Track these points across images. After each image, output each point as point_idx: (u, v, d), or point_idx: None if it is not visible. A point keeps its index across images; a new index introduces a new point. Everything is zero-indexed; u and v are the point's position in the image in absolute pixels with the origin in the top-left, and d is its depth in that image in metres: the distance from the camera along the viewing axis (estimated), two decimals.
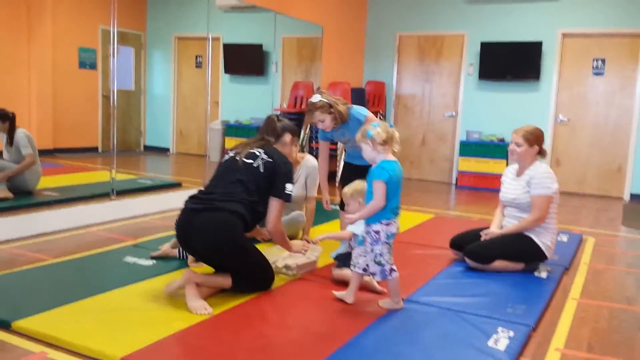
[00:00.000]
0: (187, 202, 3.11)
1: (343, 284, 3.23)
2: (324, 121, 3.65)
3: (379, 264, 2.94)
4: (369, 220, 2.93)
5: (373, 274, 3.00)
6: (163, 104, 8.68)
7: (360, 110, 3.75)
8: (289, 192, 3.16)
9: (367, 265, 2.98)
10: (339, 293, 3.09)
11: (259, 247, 3.30)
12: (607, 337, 2.84)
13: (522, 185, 3.73)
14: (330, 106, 3.62)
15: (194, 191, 3.22)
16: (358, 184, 3.20)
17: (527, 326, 2.82)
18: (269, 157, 3.16)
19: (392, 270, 2.96)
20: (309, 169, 4.26)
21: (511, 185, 3.84)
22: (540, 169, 3.71)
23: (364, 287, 3.20)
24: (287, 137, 3.42)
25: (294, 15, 7.30)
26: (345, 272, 3.27)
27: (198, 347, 2.47)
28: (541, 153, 3.79)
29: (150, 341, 2.48)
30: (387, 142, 2.91)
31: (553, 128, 7.76)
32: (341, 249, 3.39)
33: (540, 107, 7.76)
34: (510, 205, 3.84)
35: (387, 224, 2.91)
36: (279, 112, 3.18)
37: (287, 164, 3.22)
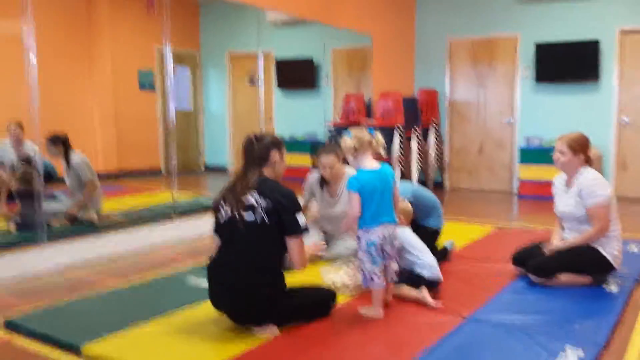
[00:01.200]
0: (210, 272, 2.93)
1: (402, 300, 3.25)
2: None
3: (361, 270, 3.03)
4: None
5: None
6: (220, 122, 8.84)
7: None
8: (303, 224, 2.87)
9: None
10: (364, 309, 3.11)
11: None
12: None
13: (573, 198, 3.61)
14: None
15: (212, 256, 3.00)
16: (402, 203, 3.31)
17: (597, 344, 2.71)
18: (266, 200, 2.81)
19: (372, 278, 3.01)
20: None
21: (563, 199, 3.72)
22: (589, 177, 3.58)
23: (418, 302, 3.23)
24: (275, 156, 2.96)
25: (342, 26, 7.33)
26: (403, 289, 3.29)
27: None
28: (588, 162, 3.65)
29: None
30: (357, 148, 2.99)
31: (617, 130, 7.47)
32: None
33: (601, 109, 7.49)
34: (567, 218, 3.72)
35: (367, 231, 2.98)
36: (263, 133, 3.03)
37: (286, 195, 2.86)
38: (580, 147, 3.62)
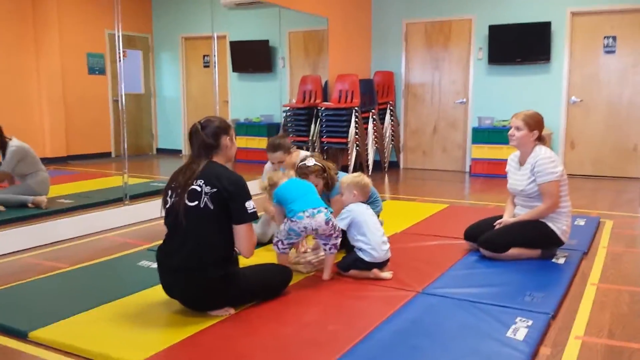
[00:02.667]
0: (159, 259, 2.86)
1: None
2: (317, 186, 3.51)
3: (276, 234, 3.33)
4: None
5: None
6: (173, 105, 8.70)
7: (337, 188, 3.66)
8: (252, 211, 2.81)
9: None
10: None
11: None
12: (629, 322, 2.80)
13: (527, 175, 3.68)
14: (324, 170, 3.60)
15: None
16: (357, 177, 3.46)
17: (546, 314, 2.78)
18: (212, 188, 2.74)
19: (277, 243, 3.29)
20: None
21: (516, 176, 3.79)
22: (541, 155, 3.65)
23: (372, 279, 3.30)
24: (225, 140, 2.90)
25: (298, 8, 7.27)
26: (353, 273, 3.35)
27: (214, 349, 2.46)
28: (541, 139, 3.72)
29: (167, 345, 2.48)
30: (273, 184, 3.39)
31: (566, 109, 7.66)
32: None
33: (552, 89, 7.66)
34: (519, 195, 3.79)
35: (292, 221, 3.19)
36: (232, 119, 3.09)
37: (234, 182, 2.79)
38: (536, 124, 3.68)
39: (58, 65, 7.45)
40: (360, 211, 3.38)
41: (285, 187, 3.33)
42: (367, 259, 3.30)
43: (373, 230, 3.33)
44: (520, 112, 3.77)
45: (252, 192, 2.89)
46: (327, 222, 3.19)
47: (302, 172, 3.58)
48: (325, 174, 3.60)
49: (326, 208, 3.25)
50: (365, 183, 3.46)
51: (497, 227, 3.78)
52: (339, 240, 3.31)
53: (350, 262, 3.36)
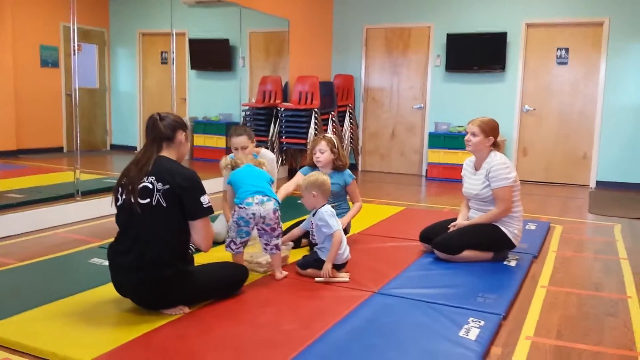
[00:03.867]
0: (110, 258, 2.80)
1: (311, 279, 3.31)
2: (324, 153, 4.00)
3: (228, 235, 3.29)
4: None
5: None
6: (129, 101, 8.52)
7: (351, 174, 4.15)
8: (208, 205, 2.78)
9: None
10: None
11: None
12: (577, 324, 2.88)
13: (481, 180, 3.76)
14: (335, 146, 4.04)
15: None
16: (313, 176, 3.43)
17: (497, 315, 2.84)
18: (164, 185, 2.68)
19: (229, 244, 3.26)
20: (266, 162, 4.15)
21: (472, 180, 3.87)
22: (496, 160, 3.73)
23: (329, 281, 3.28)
24: (181, 136, 2.86)
25: (259, 8, 7.24)
26: (310, 272, 3.34)
27: (166, 348, 2.42)
28: (496, 145, 3.81)
29: (118, 343, 2.43)
30: (234, 166, 3.43)
31: (519, 118, 7.86)
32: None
33: (506, 97, 7.85)
34: (473, 199, 3.87)
35: (239, 208, 3.20)
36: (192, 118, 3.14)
37: (187, 178, 2.74)
38: (491, 130, 3.76)
39: (9, 57, 7.20)
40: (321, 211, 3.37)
41: (240, 170, 3.35)
42: (324, 257, 3.30)
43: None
44: (476, 118, 3.85)
45: (207, 191, 2.85)
46: (274, 212, 3.21)
47: (317, 137, 4.09)
48: (336, 149, 4.02)
49: (275, 199, 3.28)
50: (322, 181, 3.41)
51: (451, 229, 3.84)
52: (280, 240, 3.33)
53: (311, 261, 3.36)
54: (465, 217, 3.94)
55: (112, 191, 2.84)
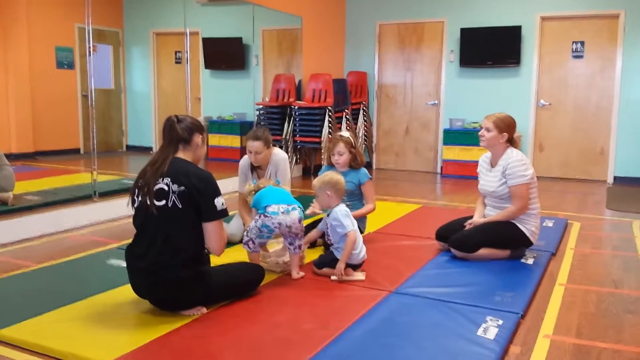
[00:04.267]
0: (128, 260, 2.82)
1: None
2: (342, 155, 3.99)
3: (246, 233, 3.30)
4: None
5: None
6: (144, 102, 8.58)
7: (367, 173, 4.11)
8: (222, 208, 2.78)
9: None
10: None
11: None
12: (595, 322, 2.86)
13: (498, 177, 3.73)
14: (352, 146, 4.03)
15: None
16: (327, 176, 3.42)
17: (515, 314, 2.82)
18: (179, 186, 2.69)
19: (248, 243, 3.26)
20: (277, 162, 4.05)
21: (487, 177, 3.84)
22: (513, 157, 3.69)
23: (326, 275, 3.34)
24: (197, 139, 2.87)
25: (271, 6, 7.24)
26: (327, 271, 3.35)
27: (185, 349, 2.43)
28: (511, 142, 3.77)
29: (137, 345, 2.45)
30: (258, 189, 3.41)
31: (535, 112, 7.79)
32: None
33: (521, 92, 7.78)
34: (490, 196, 3.84)
35: (265, 217, 3.20)
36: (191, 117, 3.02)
37: (202, 179, 2.75)
38: (506, 127, 3.72)
39: (26, 59, 7.28)
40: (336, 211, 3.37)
41: (264, 192, 3.34)
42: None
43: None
44: (492, 114, 3.81)
45: (223, 190, 2.87)
46: (299, 220, 3.21)
47: (335, 138, 4.06)
48: (354, 150, 4.01)
49: (300, 207, 3.26)
50: (336, 180, 3.40)
51: (467, 227, 3.82)
52: (303, 240, 3.36)
53: (327, 261, 3.36)
54: (481, 214, 3.91)
55: (129, 192, 2.86)
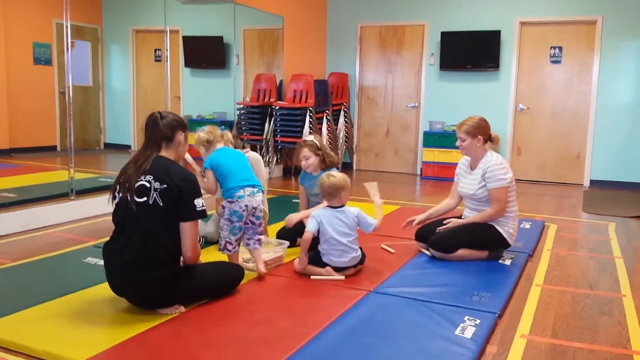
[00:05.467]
0: (105, 257, 2.79)
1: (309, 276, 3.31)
2: (309, 159, 3.90)
3: (220, 237, 3.31)
4: None
5: None
6: (123, 99, 8.49)
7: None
8: (201, 209, 2.76)
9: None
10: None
11: None
12: (571, 322, 2.89)
13: (477, 180, 3.77)
14: (318, 148, 3.91)
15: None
16: (331, 185, 3.39)
17: (492, 314, 2.84)
18: (161, 184, 2.68)
19: (225, 246, 3.28)
20: (251, 164, 3.94)
21: (467, 179, 3.88)
22: (492, 161, 3.73)
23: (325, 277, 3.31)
24: (180, 136, 2.85)
25: (253, 5, 7.22)
26: (310, 268, 3.35)
27: (162, 347, 2.41)
28: (490, 140, 3.82)
29: (113, 343, 2.42)
30: (210, 140, 3.48)
31: (513, 116, 7.88)
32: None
33: (500, 96, 7.86)
34: (468, 198, 3.88)
35: (230, 202, 3.24)
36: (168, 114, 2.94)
37: (185, 178, 2.74)
38: (477, 130, 3.76)
39: (2, 54, 7.17)
40: (326, 220, 3.34)
41: (219, 153, 3.42)
42: (324, 259, 3.31)
43: (332, 243, 3.32)
44: (462, 121, 3.84)
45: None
46: (262, 203, 3.34)
47: (299, 144, 3.99)
48: (320, 151, 3.91)
49: (261, 189, 3.40)
50: (329, 183, 3.36)
51: (445, 223, 3.85)
52: (263, 235, 3.41)
53: (310, 255, 3.36)
54: (446, 205, 4.06)
55: (108, 190, 2.83)
